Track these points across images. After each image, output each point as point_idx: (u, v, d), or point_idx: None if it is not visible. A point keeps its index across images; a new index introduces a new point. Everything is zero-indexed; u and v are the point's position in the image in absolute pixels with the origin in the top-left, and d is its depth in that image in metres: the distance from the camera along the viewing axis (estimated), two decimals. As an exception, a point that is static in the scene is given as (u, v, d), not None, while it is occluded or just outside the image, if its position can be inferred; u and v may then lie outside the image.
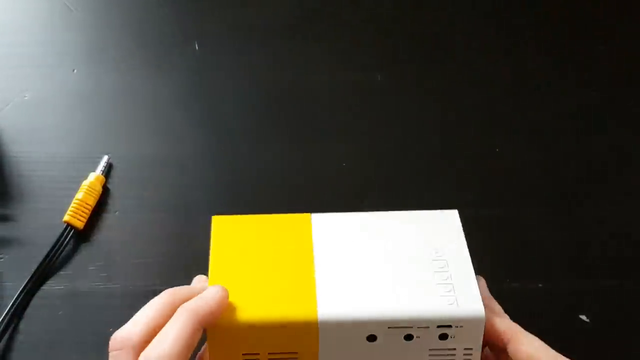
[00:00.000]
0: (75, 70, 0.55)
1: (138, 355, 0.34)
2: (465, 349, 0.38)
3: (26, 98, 0.54)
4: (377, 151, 0.53)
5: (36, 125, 0.53)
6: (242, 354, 0.37)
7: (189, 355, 0.34)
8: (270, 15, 0.57)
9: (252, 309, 0.38)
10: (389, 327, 0.37)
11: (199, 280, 0.41)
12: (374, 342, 0.38)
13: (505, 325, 0.38)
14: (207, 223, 0.47)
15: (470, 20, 0.57)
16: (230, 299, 0.37)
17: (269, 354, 0.38)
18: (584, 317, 0.48)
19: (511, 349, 0.38)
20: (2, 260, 0.49)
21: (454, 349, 0.38)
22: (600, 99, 0.55)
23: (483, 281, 0.40)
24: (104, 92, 0.55)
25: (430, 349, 0.38)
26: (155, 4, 0.58)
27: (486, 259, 0.45)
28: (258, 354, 0.38)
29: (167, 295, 0.37)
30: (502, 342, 0.38)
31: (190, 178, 0.52)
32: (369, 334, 0.38)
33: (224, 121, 0.54)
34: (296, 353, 0.38)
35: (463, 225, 0.44)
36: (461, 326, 0.37)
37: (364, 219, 0.43)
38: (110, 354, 0.34)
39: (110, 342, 0.35)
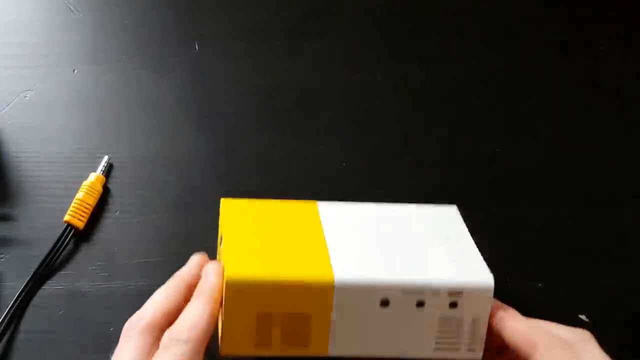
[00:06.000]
0: (75, 70, 0.55)
1: (149, 333, 0.36)
2: (474, 319, 0.39)
3: (26, 98, 0.54)
4: (377, 151, 0.53)
5: (37, 125, 0.53)
6: (257, 313, 0.38)
7: (209, 323, 0.36)
8: (270, 15, 0.57)
9: (270, 267, 0.39)
10: (402, 292, 0.39)
11: (195, 260, 0.42)
12: (387, 308, 0.39)
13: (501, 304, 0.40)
14: (208, 223, 0.47)
15: (471, 20, 0.57)
16: (249, 258, 0.39)
17: (283, 314, 0.38)
18: (583, 317, 0.48)
19: (506, 327, 0.39)
20: (2, 260, 0.49)
21: (462, 319, 0.39)
22: (601, 99, 0.55)
23: None
24: (104, 92, 0.55)
25: (440, 318, 0.39)
26: (155, 4, 0.58)
27: (486, 259, 0.45)
28: (272, 313, 0.38)
29: (172, 281, 0.40)
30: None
31: (190, 178, 0.52)
32: (383, 298, 0.38)
33: (224, 121, 0.54)
34: (310, 316, 0.38)
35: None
36: (471, 293, 0.39)
37: (367, 207, 0.44)
38: (121, 335, 0.37)
39: (124, 327, 0.37)
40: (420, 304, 0.39)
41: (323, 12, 0.58)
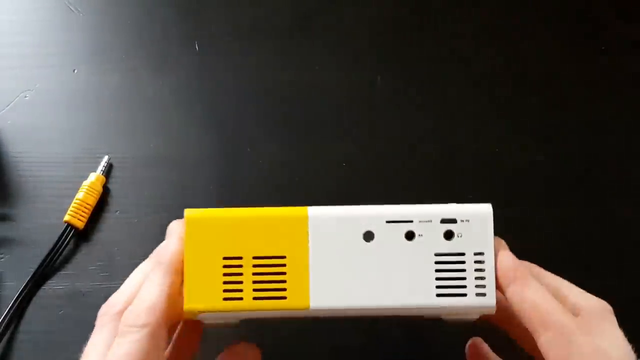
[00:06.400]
0: (75, 70, 0.55)
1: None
2: (476, 253, 0.34)
3: (27, 98, 0.54)
4: (377, 151, 0.53)
5: (37, 125, 0.53)
6: (223, 258, 0.34)
7: (170, 302, 0.33)
8: (270, 15, 0.57)
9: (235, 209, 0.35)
10: (387, 222, 0.34)
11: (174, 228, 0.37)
12: (372, 242, 0.34)
13: (512, 262, 0.34)
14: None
15: (471, 21, 0.57)
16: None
17: (253, 258, 0.34)
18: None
19: (512, 291, 0.34)
20: (2, 260, 0.49)
21: (463, 253, 0.34)
22: (601, 99, 0.55)
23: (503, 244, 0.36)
24: (104, 92, 0.55)
25: (436, 254, 0.34)
26: (155, 4, 0.58)
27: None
28: (241, 257, 0.34)
29: (147, 260, 0.36)
30: (507, 280, 0.34)
31: (190, 178, 0.52)
32: (366, 230, 0.34)
33: (224, 121, 0.54)
34: (284, 258, 0.34)
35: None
36: (467, 220, 0.35)
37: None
38: (96, 323, 0.34)
39: (98, 311, 0.34)
40: (410, 235, 0.34)
41: (323, 12, 0.58)
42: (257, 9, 0.58)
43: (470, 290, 0.34)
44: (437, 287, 0.34)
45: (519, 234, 0.51)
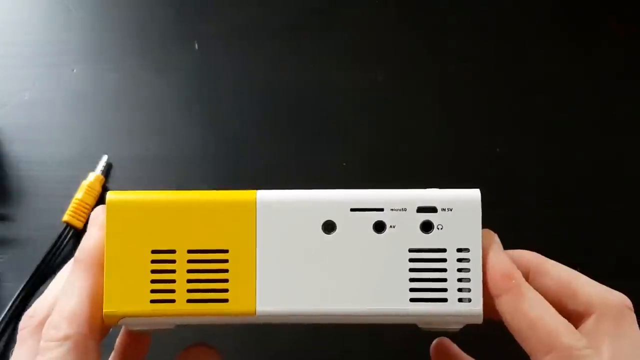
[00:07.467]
0: (74, 70, 0.55)
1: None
2: (460, 250, 0.29)
3: (25, 98, 0.54)
4: (377, 151, 0.53)
5: (35, 125, 0.53)
6: (152, 251, 0.28)
7: (95, 306, 0.28)
8: (270, 15, 0.57)
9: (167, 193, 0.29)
10: (352, 209, 0.29)
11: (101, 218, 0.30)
12: (333, 234, 0.29)
13: (504, 266, 0.29)
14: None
15: (471, 20, 0.57)
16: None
17: (188, 252, 0.28)
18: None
19: (504, 303, 0.28)
20: (1, 260, 0.49)
21: (444, 250, 0.29)
22: (602, 99, 0.55)
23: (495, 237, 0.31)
24: (103, 91, 0.54)
25: (411, 250, 0.29)
26: (155, 4, 0.58)
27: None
28: (174, 251, 0.28)
29: (70, 260, 0.31)
30: (497, 289, 0.29)
31: (190, 178, 0.52)
32: (326, 219, 0.29)
33: (224, 121, 0.54)
34: (227, 252, 0.29)
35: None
36: (450, 209, 0.30)
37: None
38: (17, 337, 0.30)
39: (19, 325, 0.30)
40: (380, 227, 0.29)
41: (323, 12, 0.57)
42: (257, 9, 0.57)
43: (452, 294, 0.29)
44: (412, 290, 0.29)
45: (519, 234, 0.51)
